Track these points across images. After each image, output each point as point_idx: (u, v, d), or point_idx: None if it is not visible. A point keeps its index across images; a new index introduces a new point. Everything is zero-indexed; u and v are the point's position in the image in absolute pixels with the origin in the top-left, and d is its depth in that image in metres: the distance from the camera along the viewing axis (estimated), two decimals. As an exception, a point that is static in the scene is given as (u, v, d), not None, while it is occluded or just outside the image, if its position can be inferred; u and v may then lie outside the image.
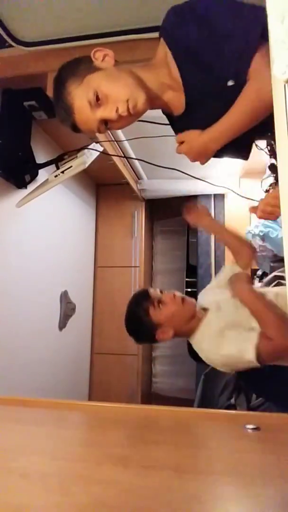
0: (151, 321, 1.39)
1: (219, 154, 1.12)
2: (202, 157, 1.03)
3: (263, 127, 0.92)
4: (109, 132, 2.24)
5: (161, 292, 1.43)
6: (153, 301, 1.39)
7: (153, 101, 0.99)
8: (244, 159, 1.19)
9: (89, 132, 1.00)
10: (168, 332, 1.40)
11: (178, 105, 1.02)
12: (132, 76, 0.95)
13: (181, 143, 1.03)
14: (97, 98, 0.91)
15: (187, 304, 1.41)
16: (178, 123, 1.09)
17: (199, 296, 1.60)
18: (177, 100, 1.01)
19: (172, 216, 3.57)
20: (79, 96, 0.93)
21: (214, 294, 1.51)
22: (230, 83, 0.90)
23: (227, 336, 1.28)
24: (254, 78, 0.87)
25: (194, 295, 3.25)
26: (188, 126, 1.05)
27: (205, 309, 1.45)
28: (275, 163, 1.88)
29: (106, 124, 0.96)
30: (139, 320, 1.42)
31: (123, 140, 2.34)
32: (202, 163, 1.05)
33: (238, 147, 1.12)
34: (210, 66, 0.90)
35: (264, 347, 1.20)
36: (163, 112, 1.10)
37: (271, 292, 1.41)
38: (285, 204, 0.51)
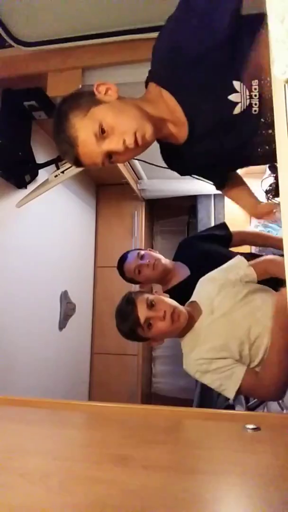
0: (141, 336, 1.32)
1: (206, 169, 1.19)
2: None
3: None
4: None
5: (151, 304, 1.28)
6: (141, 324, 1.27)
7: (157, 133, 0.97)
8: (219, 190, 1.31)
9: (93, 165, 0.99)
10: (160, 341, 1.40)
11: (178, 136, 1.01)
12: (137, 108, 0.93)
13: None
14: (103, 131, 0.89)
15: (178, 322, 1.29)
16: (177, 161, 1.13)
17: (198, 284, 1.47)
18: (177, 134, 1.01)
19: (172, 216, 3.58)
20: (84, 128, 0.90)
21: (213, 291, 1.37)
22: (231, 97, 0.90)
23: (213, 367, 1.25)
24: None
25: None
26: (190, 157, 1.07)
27: (195, 304, 1.37)
28: (275, 163, 1.88)
29: (110, 157, 0.95)
30: (126, 336, 1.36)
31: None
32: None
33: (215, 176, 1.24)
34: (207, 79, 0.90)
35: (249, 384, 1.19)
36: (157, 141, 1.08)
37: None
38: (285, 204, 0.51)
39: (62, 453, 0.73)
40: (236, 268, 1.40)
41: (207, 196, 3.10)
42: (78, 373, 2.88)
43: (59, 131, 0.94)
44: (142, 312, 1.27)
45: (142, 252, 1.85)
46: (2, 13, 1.44)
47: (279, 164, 0.56)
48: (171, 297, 1.41)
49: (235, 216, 2.97)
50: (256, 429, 0.79)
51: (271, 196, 2.00)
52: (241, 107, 0.90)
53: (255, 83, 0.88)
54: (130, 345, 3.01)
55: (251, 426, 0.79)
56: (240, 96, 0.89)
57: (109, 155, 0.94)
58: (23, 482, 0.59)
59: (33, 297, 2.19)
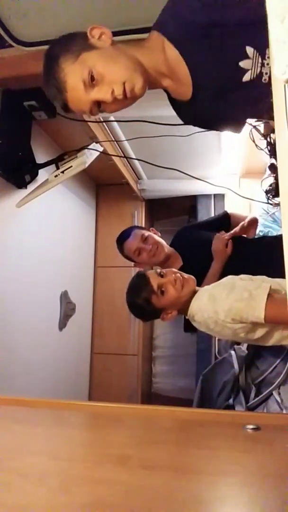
0: (155, 307, 1.39)
1: (212, 127, 1.12)
2: None
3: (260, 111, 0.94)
4: (109, 132, 2.24)
5: (161, 275, 1.40)
6: (155, 290, 1.37)
7: (150, 83, 0.95)
8: (237, 133, 1.15)
9: (80, 112, 0.97)
10: (173, 313, 1.43)
11: (179, 93, 0.98)
12: (130, 58, 0.90)
13: None
14: (92, 78, 0.87)
15: (188, 285, 1.39)
16: (185, 112, 1.06)
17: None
18: (175, 89, 0.98)
19: (172, 216, 3.57)
20: (73, 74, 0.88)
21: None
22: (242, 64, 0.86)
23: (238, 283, 1.29)
24: None
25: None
26: (195, 118, 1.05)
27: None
28: (275, 163, 1.88)
29: (99, 106, 0.92)
30: (142, 309, 1.42)
31: (123, 140, 2.34)
32: None
33: (233, 125, 1.10)
34: (221, 42, 0.86)
35: (273, 302, 1.19)
36: (164, 91, 1.04)
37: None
38: (285, 204, 0.51)
39: (62, 453, 0.73)
40: None
41: (207, 196, 3.10)
42: (78, 373, 2.88)
43: (48, 74, 0.92)
44: (155, 280, 1.38)
45: (146, 234, 1.81)
46: (2, 13, 1.44)
47: (279, 164, 0.56)
48: None
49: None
50: (256, 429, 0.79)
51: (271, 196, 2.00)
52: (251, 75, 0.87)
53: (269, 52, 0.83)
54: (130, 345, 3.01)
55: (251, 426, 0.79)
56: (251, 63, 0.86)
57: (98, 103, 0.92)
58: (23, 482, 0.59)
59: (33, 297, 2.19)
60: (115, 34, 1.47)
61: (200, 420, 0.93)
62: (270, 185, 1.95)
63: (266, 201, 2.26)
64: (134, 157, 2.58)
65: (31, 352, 2.15)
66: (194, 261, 1.79)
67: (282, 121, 0.52)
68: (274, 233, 2.27)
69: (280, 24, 0.47)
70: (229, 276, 1.38)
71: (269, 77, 0.85)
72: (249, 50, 0.85)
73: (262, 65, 0.86)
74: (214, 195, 3.09)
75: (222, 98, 0.94)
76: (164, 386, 3.38)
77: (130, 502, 0.53)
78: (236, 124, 1.09)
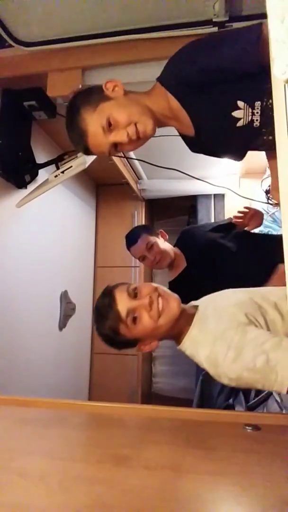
0: (125, 338, 1.05)
1: (218, 156, 1.23)
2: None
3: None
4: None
5: (134, 294, 1.05)
6: (122, 318, 1.02)
7: (160, 124, 1.10)
8: (238, 161, 1.27)
9: (100, 154, 1.11)
10: (151, 344, 1.10)
11: (185, 131, 1.12)
12: (140, 105, 1.05)
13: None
14: (109, 124, 1.01)
15: (168, 311, 1.03)
16: (193, 144, 1.20)
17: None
18: (180, 128, 1.14)
19: (172, 216, 3.57)
20: (93, 122, 1.02)
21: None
22: (235, 114, 0.99)
23: (249, 336, 0.91)
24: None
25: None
26: (202, 149, 1.19)
27: (195, 306, 1.12)
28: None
29: (116, 147, 1.06)
30: (110, 340, 1.08)
31: (123, 140, 2.34)
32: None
33: (234, 154, 1.21)
34: (214, 97, 1.00)
35: None
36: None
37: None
38: (285, 204, 0.51)
39: (62, 453, 0.73)
40: None
41: (207, 196, 3.10)
42: (78, 373, 2.88)
43: (72, 124, 1.06)
44: (123, 303, 1.02)
45: (152, 242, 1.80)
46: (2, 13, 1.44)
47: (279, 164, 0.56)
48: (172, 288, 1.20)
49: (235, 216, 2.97)
50: (256, 429, 0.79)
51: (271, 196, 2.00)
52: (243, 122, 1.00)
53: (257, 104, 0.98)
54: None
55: (251, 426, 0.79)
56: (243, 113, 0.99)
57: (115, 145, 1.05)
58: (23, 482, 0.59)
59: (33, 297, 2.19)
60: (115, 34, 1.49)
61: (200, 420, 0.93)
62: (270, 185, 1.95)
63: (266, 201, 2.27)
64: (134, 157, 2.58)
65: (31, 352, 2.15)
66: (198, 263, 1.79)
67: (282, 121, 0.52)
68: (274, 233, 2.27)
69: (280, 24, 0.47)
70: (230, 310, 1.00)
71: (260, 122, 1.00)
72: (240, 103, 0.99)
73: (252, 113, 0.99)
74: (214, 195, 3.09)
75: (221, 137, 1.09)
76: (164, 386, 3.38)
77: (130, 502, 0.53)
78: (237, 155, 1.20)
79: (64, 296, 2.57)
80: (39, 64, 1.63)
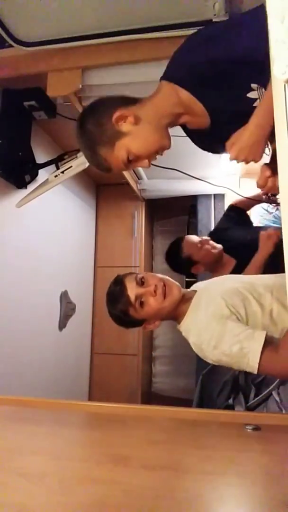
0: (134, 319, 1.24)
1: (215, 151, 1.23)
2: (256, 152, 1.03)
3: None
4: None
5: (141, 282, 1.22)
6: (132, 302, 1.20)
7: (171, 125, 1.10)
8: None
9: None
10: (156, 323, 1.28)
11: (198, 123, 1.10)
12: (154, 126, 1.05)
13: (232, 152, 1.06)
14: (129, 159, 1.05)
15: (171, 295, 1.22)
16: (203, 139, 1.20)
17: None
18: (193, 121, 1.10)
19: (172, 216, 3.57)
20: (114, 160, 1.06)
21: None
22: (249, 95, 0.98)
23: (228, 327, 1.10)
24: None
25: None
26: (213, 142, 1.17)
27: (195, 291, 1.30)
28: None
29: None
30: (120, 319, 1.27)
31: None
32: (258, 159, 1.05)
33: None
34: (228, 83, 0.99)
35: (270, 354, 1.03)
36: (182, 127, 1.18)
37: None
38: (285, 204, 0.51)
39: (62, 453, 0.73)
40: None
41: (207, 196, 3.10)
42: (78, 373, 2.88)
43: (93, 162, 1.11)
44: (132, 290, 1.21)
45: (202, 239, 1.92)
46: (2, 13, 1.44)
47: (279, 164, 0.56)
48: None
49: (235, 216, 2.97)
50: (256, 429, 0.79)
51: (271, 196, 2.00)
52: (259, 101, 0.99)
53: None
54: (130, 345, 3.01)
55: (251, 426, 0.79)
56: (257, 93, 0.98)
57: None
58: (23, 482, 0.59)
59: (33, 297, 2.19)
60: (115, 34, 1.49)
61: (200, 420, 0.93)
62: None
63: (266, 201, 2.26)
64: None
65: (31, 352, 2.15)
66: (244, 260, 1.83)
67: (282, 121, 0.52)
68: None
69: (280, 24, 0.47)
70: (217, 300, 1.17)
71: None
72: (253, 85, 0.98)
73: None
74: (214, 195, 3.09)
75: (239, 121, 1.04)
76: (164, 386, 3.38)
77: (130, 502, 0.53)
78: None
79: (64, 296, 2.57)
80: (39, 64, 1.63)
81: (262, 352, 1.03)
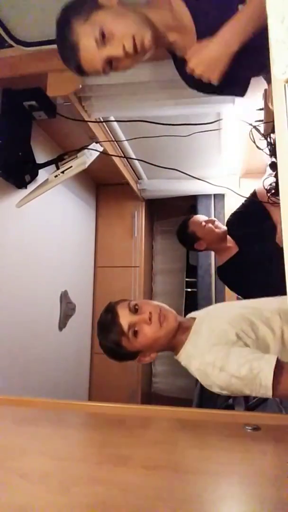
0: (127, 351, 1.13)
1: (216, 90, 1.08)
2: (214, 70, 0.94)
3: (261, 63, 0.91)
4: (109, 132, 2.24)
5: (135, 309, 1.12)
6: (125, 332, 1.10)
7: (158, 40, 0.97)
8: (240, 96, 1.12)
9: (94, 72, 0.98)
10: (150, 355, 1.18)
11: (185, 46, 1.00)
12: (138, 14, 0.94)
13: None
14: (103, 36, 0.90)
15: (167, 323, 1.12)
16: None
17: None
18: (182, 41, 1.01)
19: (172, 216, 3.57)
20: (85, 34, 0.91)
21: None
22: (240, 6, 0.90)
23: (234, 348, 1.01)
24: None
25: (194, 295, 3.26)
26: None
27: (192, 318, 1.22)
28: (276, 161, 1.88)
29: (111, 64, 0.95)
30: (112, 351, 1.15)
31: (123, 140, 2.34)
32: (216, 80, 0.96)
33: (236, 84, 1.08)
34: None
35: (284, 378, 0.93)
36: (169, 52, 1.08)
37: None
38: (285, 204, 0.51)
39: (62, 453, 0.73)
40: None
41: (207, 196, 3.10)
42: (78, 373, 2.88)
43: (62, 38, 0.95)
44: (125, 318, 1.10)
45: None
46: (2, 13, 1.44)
47: (279, 164, 0.56)
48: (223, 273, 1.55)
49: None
50: (256, 429, 0.79)
51: (271, 195, 2.00)
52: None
53: None
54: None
55: (251, 426, 0.79)
56: None
57: (110, 62, 0.95)
58: (23, 482, 0.59)
59: (33, 297, 2.19)
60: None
61: (200, 420, 0.93)
62: (270, 184, 1.95)
63: (266, 201, 2.26)
64: (134, 157, 2.58)
65: (31, 352, 2.15)
66: (252, 252, 1.93)
67: (282, 121, 0.52)
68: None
69: (280, 24, 0.47)
70: (223, 327, 1.08)
71: None
72: None
73: None
74: (214, 195, 3.09)
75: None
76: (164, 386, 3.37)
77: (130, 502, 0.53)
78: (241, 82, 1.08)
79: (64, 296, 2.57)
80: (39, 64, 1.62)
81: (275, 373, 0.92)
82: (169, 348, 1.18)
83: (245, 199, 2.14)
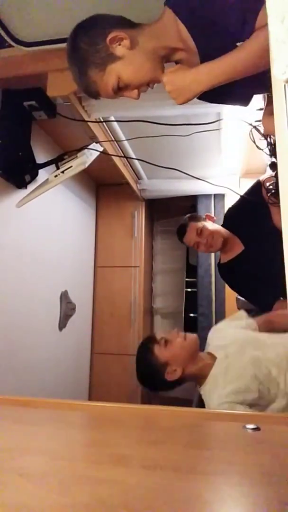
0: (158, 360, 1.43)
1: (219, 100, 1.16)
2: (179, 95, 1.01)
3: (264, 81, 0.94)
4: (109, 132, 2.24)
5: (165, 343, 1.46)
6: (158, 341, 1.45)
7: (168, 59, 1.05)
8: (243, 106, 1.19)
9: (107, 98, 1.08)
10: (177, 371, 1.43)
11: (191, 64, 1.03)
12: (150, 56, 1.00)
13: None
14: (119, 85, 1.00)
15: (190, 339, 1.46)
16: None
17: (209, 333, 1.70)
18: (188, 60, 1.05)
19: (172, 216, 3.57)
20: (104, 85, 1.01)
21: (223, 338, 1.56)
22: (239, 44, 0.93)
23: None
24: (260, 31, 0.88)
25: (194, 295, 3.26)
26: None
27: (210, 354, 1.49)
28: (276, 161, 1.87)
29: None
30: (146, 361, 1.49)
31: (123, 140, 2.34)
32: (179, 103, 1.02)
33: (238, 99, 1.14)
34: (218, 26, 0.94)
35: None
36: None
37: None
38: (285, 204, 0.51)
39: (62, 453, 0.73)
40: (238, 318, 1.70)
41: (207, 196, 3.10)
42: (78, 373, 2.88)
43: (81, 83, 1.05)
44: (159, 334, 1.50)
45: (200, 226, 1.97)
46: (2, 13, 1.44)
47: (279, 164, 0.56)
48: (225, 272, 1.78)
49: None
50: (256, 429, 0.79)
51: (270, 196, 2.00)
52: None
53: None
54: (130, 345, 3.01)
55: (251, 426, 0.79)
56: None
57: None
58: (23, 482, 0.59)
59: (33, 297, 2.19)
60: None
61: (200, 420, 0.93)
62: (271, 184, 1.95)
63: (266, 201, 2.25)
64: (134, 157, 2.58)
65: (31, 352, 2.15)
66: (258, 251, 1.87)
67: (282, 121, 0.52)
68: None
69: (280, 24, 0.47)
70: (245, 372, 1.36)
71: None
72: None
73: None
74: (214, 195, 3.09)
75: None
76: (164, 386, 3.37)
77: (130, 502, 0.53)
78: (244, 96, 1.13)
79: (64, 296, 2.57)
80: (39, 64, 1.63)
81: None
82: (192, 375, 1.46)
83: (245, 193, 2.11)
